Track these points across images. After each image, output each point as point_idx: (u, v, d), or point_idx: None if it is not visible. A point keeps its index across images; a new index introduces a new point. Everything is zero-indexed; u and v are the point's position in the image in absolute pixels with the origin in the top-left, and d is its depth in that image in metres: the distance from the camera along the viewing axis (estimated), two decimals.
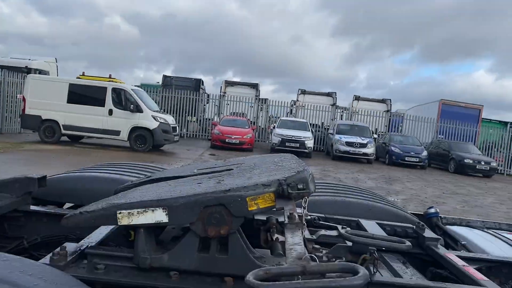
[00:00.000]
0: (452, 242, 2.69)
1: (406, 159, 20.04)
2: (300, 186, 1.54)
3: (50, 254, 1.53)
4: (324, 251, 1.79)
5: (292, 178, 1.56)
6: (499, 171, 21.84)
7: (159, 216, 1.50)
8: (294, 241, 1.28)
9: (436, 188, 13.66)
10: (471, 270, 1.81)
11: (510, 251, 2.41)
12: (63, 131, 15.37)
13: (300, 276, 1.15)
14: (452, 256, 2.01)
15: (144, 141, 15.43)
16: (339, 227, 2.19)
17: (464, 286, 1.63)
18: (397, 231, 2.34)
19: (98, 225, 1.80)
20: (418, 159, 20.20)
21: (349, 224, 2.39)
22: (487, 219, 3.56)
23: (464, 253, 2.23)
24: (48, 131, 15.33)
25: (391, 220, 2.53)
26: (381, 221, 2.45)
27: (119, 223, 1.53)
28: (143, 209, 1.51)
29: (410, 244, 1.69)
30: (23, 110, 15.47)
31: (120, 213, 1.52)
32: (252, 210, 1.50)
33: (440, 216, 3.01)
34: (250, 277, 1.06)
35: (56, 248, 1.56)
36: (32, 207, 2.33)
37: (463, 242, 2.60)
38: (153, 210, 1.51)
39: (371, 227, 2.31)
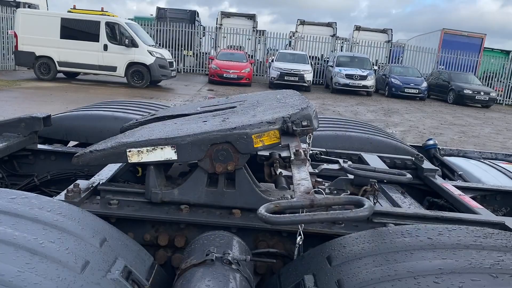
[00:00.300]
0: (449, 173, 2.78)
1: (405, 90, 19.93)
2: (304, 123, 1.57)
3: (65, 191, 1.58)
4: (326, 184, 1.86)
5: (296, 115, 1.59)
6: (498, 101, 21.84)
7: (168, 153, 1.55)
8: (301, 176, 1.33)
9: (434, 120, 13.75)
10: (466, 199, 1.90)
11: (505, 179, 2.51)
12: (59, 68, 15.14)
13: (306, 209, 1.21)
14: (448, 186, 2.09)
15: (141, 77, 15.24)
16: (341, 160, 2.26)
17: (459, 213, 1.71)
18: (396, 163, 2.42)
19: (108, 163, 1.85)
20: (417, 90, 20.08)
21: (350, 157, 2.45)
22: (483, 149, 3.64)
23: (460, 183, 2.31)
24: (43, 67, 15.10)
25: (391, 153, 2.60)
26: (381, 154, 2.52)
27: (129, 161, 1.58)
28: (152, 147, 1.55)
29: (411, 176, 1.75)
30: (16, 46, 15.10)
31: (130, 151, 1.56)
32: (257, 147, 1.55)
33: (438, 148, 3.08)
34: (261, 210, 1.11)
35: (69, 186, 1.62)
36: (40, 146, 2.38)
37: (460, 172, 2.69)
38: (162, 148, 1.55)
39: (373, 160, 2.38)
